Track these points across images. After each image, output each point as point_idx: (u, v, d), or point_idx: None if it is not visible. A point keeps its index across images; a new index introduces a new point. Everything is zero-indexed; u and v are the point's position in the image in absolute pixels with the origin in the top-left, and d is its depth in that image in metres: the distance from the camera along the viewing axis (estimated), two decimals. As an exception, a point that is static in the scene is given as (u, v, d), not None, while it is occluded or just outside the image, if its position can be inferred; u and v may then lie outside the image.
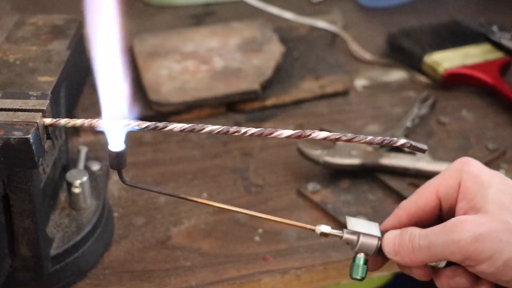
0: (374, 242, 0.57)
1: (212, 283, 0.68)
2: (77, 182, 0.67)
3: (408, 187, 0.76)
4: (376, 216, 0.74)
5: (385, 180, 0.77)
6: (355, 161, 0.77)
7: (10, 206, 0.59)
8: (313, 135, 0.52)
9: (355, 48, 1.02)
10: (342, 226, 0.73)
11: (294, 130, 0.52)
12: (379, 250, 0.57)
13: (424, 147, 0.53)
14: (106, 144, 0.52)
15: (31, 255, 0.62)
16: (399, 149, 0.78)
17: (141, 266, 0.69)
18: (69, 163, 0.73)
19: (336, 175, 0.79)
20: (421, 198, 0.59)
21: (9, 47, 0.65)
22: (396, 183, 0.77)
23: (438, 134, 0.86)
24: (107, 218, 0.71)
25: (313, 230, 0.57)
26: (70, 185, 0.68)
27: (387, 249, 0.57)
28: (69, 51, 0.65)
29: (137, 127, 0.52)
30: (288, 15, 1.09)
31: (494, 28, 1.01)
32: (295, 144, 0.80)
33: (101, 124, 0.52)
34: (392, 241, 0.56)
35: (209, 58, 0.95)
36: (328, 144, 0.79)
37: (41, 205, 0.61)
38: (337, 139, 0.52)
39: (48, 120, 0.55)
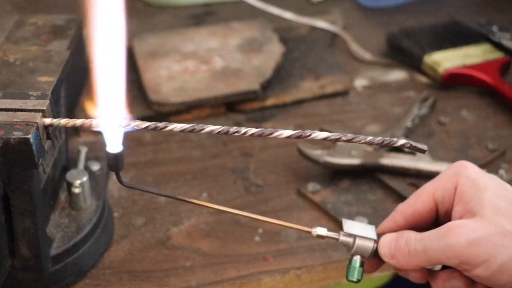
0: (370, 244, 0.57)
1: (212, 283, 0.68)
2: (77, 182, 0.67)
3: (408, 187, 0.76)
4: (376, 216, 0.74)
5: (385, 180, 0.77)
6: (355, 161, 0.77)
7: (10, 206, 0.59)
8: (313, 135, 0.52)
9: (355, 48, 1.02)
10: (341, 226, 0.73)
11: (294, 130, 0.52)
12: (375, 253, 0.57)
13: (424, 147, 0.53)
14: (104, 145, 0.52)
15: (31, 255, 0.62)
16: (399, 149, 0.78)
17: (141, 266, 0.69)
18: (69, 163, 0.73)
19: (336, 175, 0.79)
20: (418, 201, 0.59)
21: (9, 47, 0.65)
22: (396, 183, 0.77)
23: (438, 134, 0.86)
24: (107, 218, 0.71)
25: (310, 233, 0.58)
26: (70, 185, 0.68)
27: (383, 252, 0.57)
28: (69, 51, 0.65)
29: (135, 127, 0.52)
30: (288, 15, 1.08)
31: (494, 28, 1.01)
32: (295, 144, 0.80)
33: (99, 124, 0.52)
34: (388, 245, 0.57)
35: (209, 58, 0.95)
36: (328, 144, 0.79)
37: (41, 205, 0.61)
38: (337, 140, 0.52)
39: (48, 120, 0.55)
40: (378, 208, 0.75)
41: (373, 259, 0.58)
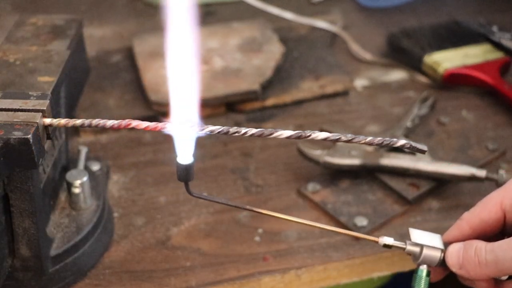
0: (437, 254, 0.57)
1: (212, 283, 0.68)
2: (77, 182, 0.67)
3: (408, 187, 0.76)
4: (376, 216, 0.74)
5: (385, 180, 0.77)
6: (355, 161, 0.77)
7: (10, 206, 0.59)
8: (313, 135, 0.52)
9: (355, 48, 1.02)
10: (342, 226, 0.73)
11: (294, 130, 0.52)
12: (442, 262, 0.57)
13: (424, 147, 0.53)
14: (175, 156, 0.52)
15: (31, 255, 0.62)
16: (399, 149, 0.78)
17: (141, 266, 0.69)
18: (69, 163, 0.73)
19: (336, 175, 0.79)
20: (485, 210, 0.58)
21: (9, 47, 0.65)
22: (396, 183, 0.77)
23: (438, 134, 0.86)
24: (107, 218, 0.71)
25: (376, 242, 0.58)
26: (70, 185, 0.68)
27: (451, 262, 0.56)
28: (69, 51, 0.65)
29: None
30: (288, 15, 1.08)
31: (494, 28, 1.01)
32: (295, 144, 0.80)
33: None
34: (456, 254, 0.56)
35: (209, 58, 0.95)
36: (328, 144, 0.79)
37: (41, 205, 0.61)
38: (337, 140, 0.52)
39: (48, 120, 0.55)
40: (378, 208, 0.75)
41: (439, 268, 0.58)
